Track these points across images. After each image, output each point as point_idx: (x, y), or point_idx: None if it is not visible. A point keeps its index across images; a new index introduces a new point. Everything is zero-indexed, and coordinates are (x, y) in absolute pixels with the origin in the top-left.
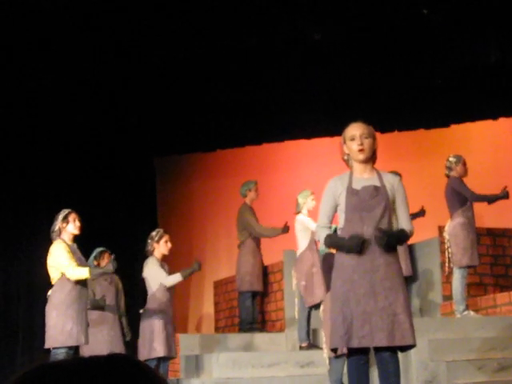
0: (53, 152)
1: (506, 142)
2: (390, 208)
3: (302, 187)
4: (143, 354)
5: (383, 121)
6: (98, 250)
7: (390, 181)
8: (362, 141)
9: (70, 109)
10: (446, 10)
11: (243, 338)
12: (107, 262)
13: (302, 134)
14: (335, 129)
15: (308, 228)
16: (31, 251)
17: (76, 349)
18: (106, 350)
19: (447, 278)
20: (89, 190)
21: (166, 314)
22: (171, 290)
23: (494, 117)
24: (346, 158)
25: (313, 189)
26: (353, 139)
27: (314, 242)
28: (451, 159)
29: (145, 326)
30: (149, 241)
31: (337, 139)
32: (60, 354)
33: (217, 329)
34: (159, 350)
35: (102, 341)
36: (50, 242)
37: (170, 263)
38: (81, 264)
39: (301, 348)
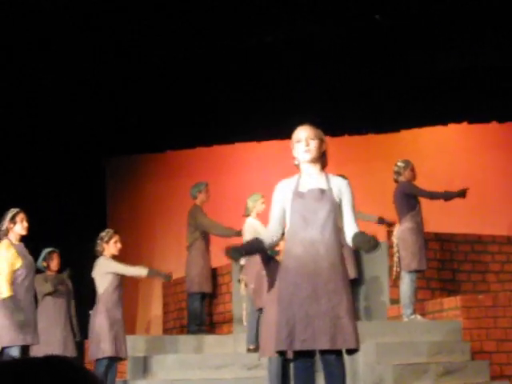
0: (1, 150)
1: (455, 147)
2: (335, 211)
3: (253, 190)
4: (92, 354)
5: (334, 125)
6: (47, 250)
7: (337, 184)
8: (308, 142)
9: (21, 106)
10: (400, 15)
11: (191, 340)
12: (56, 262)
13: (252, 137)
14: (285, 132)
15: (257, 231)
16: None
17: (26, 348)
18: (59, 350)
19: (394, 282)
20: (38, 189)
21: (114, 314)
22: (120, 290)
23: (444, 122)
24: (296, 162)
25: (263, 192)
26: (299, 141)
27: None
28: (399, 164)
29: (93, 325)
30: (98, 241)
31: (286, 142)
32: (13, 353)
33: (165, 330)
34: (106, 350)
35: (55, 341)
36: None
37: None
38: (27, 264)
39: (248, 350)
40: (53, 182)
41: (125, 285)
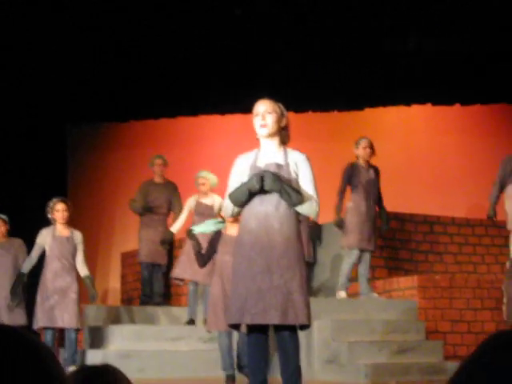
0: None
1: (418, 128)
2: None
3: (215, 162)
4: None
5: (297, 100)
6: None
7: (294, 158)
8: (265, 116)
9: None
10: None
11: (148, 311)
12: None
13: (215, 110)
14: (248, 106)
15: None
16: None
17: None
18: (7, 317)
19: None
20: None
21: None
22: (56, 261)
23: (408, 103)
24: (257, 137)
25: (224, 165)
26: (257, 115)
27: None
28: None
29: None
30: (48, 209)
31: (249, 116)
32: None
33: (122, 301)
34: (37, 319)
35: (3, 308)
36: None
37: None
38: None
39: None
40: (14, 149)
41: (85, 255)
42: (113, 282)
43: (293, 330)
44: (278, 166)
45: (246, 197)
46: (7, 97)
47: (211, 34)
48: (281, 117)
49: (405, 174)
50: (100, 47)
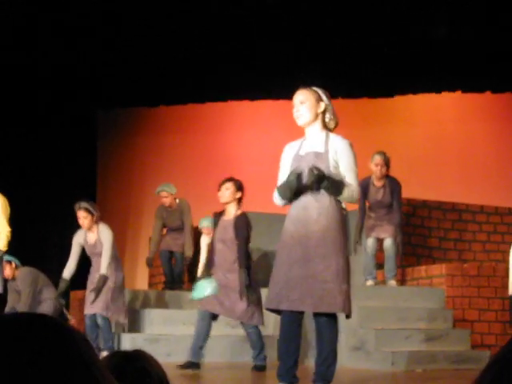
0: None
1: (447, 115)
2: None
3: (243, 148)
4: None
5: (328, 87)
6: None
7: (334, 145)
8: (298, 107)
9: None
10: None
11: (175, 296)
12: None
13: (245, 96)
14: (278, 92)
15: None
16: None
17: None
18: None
19: (380, 247)
20: (28, 141)
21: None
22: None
23: (438, 90)
24: None
25: (253, 151)
26: (294, 106)
27: None
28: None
29: None
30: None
31: (280, 102)
32: None
33: (150, 285)
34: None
35: None
36: None
37: (109, 218)
38: None
39: None
40: (46, 134)
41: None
42: (141, 266)
43: (330, 316)
44: (317, 154)
45: (289, 194)
46: (38, 83)
47: (242, 19)
48: (316, 103)
49: (434, 162)
50: (130, 33)
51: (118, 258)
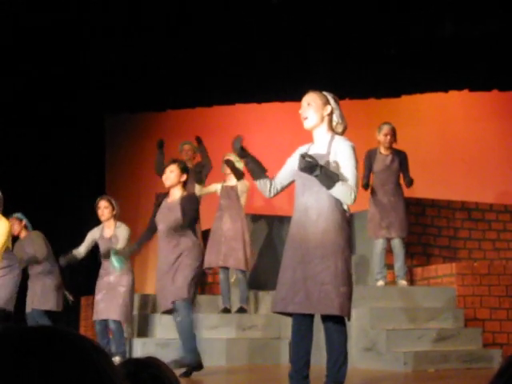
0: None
1: (454, 114)
2: None
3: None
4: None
5: (335, 88)
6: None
7: (335, 147)
8: (304, 110)
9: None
10: None
11: None
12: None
13: (252, 98)
14: (285, 94)
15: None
16: None
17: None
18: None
19: (389, 248)
20: (36, 145)
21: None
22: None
23: (445, 89)
24: None
25: (261, 154)
26: (301, 109)
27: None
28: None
29: None
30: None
31: (286, 104)
32: None
33: None
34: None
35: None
36: None
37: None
38: None
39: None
40: (55, 138)
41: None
42: (151, 271)
43: (338, 319)
44: (319, 156)
45: (250, 168)
46: (47, 87)
47: (247, 22)
48: (322, 105)
49: (442, 161)
50: (137, 37)
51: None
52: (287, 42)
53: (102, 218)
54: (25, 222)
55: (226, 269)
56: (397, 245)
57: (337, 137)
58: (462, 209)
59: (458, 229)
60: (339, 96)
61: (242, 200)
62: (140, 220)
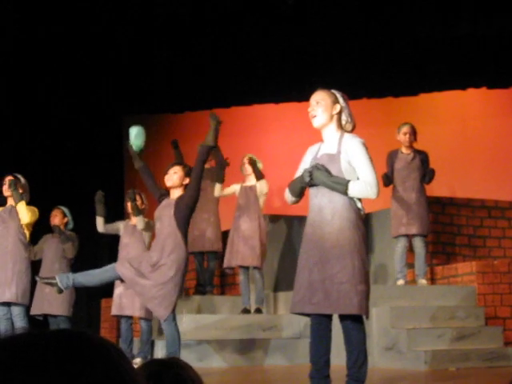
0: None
1: (473, 112)
2: (345, 175)
3: (270, 152)
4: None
5: (352, 87)
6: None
7: (346, 146)
8: (313, 107)
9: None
10: None
11: (206, 301)
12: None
13: (270, 99)
14: (303, 94)
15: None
16: None
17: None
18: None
19: (410, 247)
20: (55, 147)
21: None
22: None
23: (463, 87)
24: None
25: (279, 154)
26: (309, 106)
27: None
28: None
29: None
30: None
31: (304, 104)
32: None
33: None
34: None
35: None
36: None
37: None
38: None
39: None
40: (74, 141)
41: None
42: None
43: (356, 318)
44: (329, 156)
45: (298, 189)
46: (66, 91)
47: (264, 24)
48: (332, 104)
49: (461, 159)
50: (156, 40)
51: None
52: (304, 42)
53: (129, 210)
54: (68, 219)
55: (246, 269)
56: (418, 244)
57: (346, 135)
58: (482, 207)
59: (477, 227)
60: (357, 95)
61: (261, 200)
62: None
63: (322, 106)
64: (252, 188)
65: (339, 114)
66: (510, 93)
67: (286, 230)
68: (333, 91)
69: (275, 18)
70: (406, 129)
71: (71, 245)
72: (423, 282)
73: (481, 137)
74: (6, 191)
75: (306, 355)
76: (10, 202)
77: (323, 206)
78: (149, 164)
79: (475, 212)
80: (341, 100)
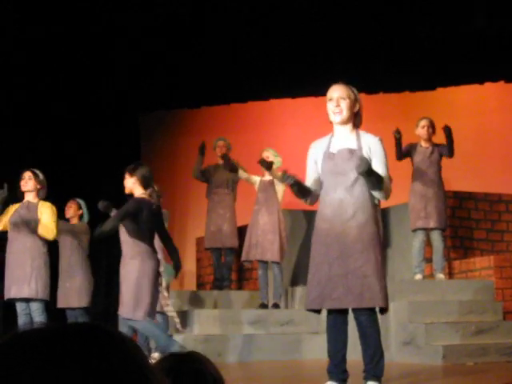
0: (36, 105)
1: (491, 106)
2: None
3: (285, 147)
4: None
5: (369, 82)
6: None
7: (367, 142)
8: (339, 102)
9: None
10: None
11: (224, 296)
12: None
13: (287, 94)
14: (320, 89)
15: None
16: None
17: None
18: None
19: (428, 241)
20: (72, 146)
21: None
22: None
23: (481, 81)
24: (331, 121)
25: (295, 149)
26: (331, 100)
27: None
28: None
29: None
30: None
31: (321, 99)
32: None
33: (199, 285)
34: None
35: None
36: None
37: None
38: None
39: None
40: (91, 137)
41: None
42: (189, 267)
43: (371, 313)
44: (351, 151)
45: (296, 192)
46: (82, 87)
47: (280, 18)
48: (354, 102)
49: (479, 153)
50: (171, 35)
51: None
52: (320, 37)
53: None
54: (82, 211)
55: (265, 263)
56: (436, 238)
57: (361, 132)
58: (500, 201)
59: (495, 221)
60: (373, 89)
61: (280, 194)
62: (175, 217)
63: (347, 104)
64: (271, 182)
65: (357, 112)
66: None
67: (306, 225)
68: (353, 88)
69: (292, 14)
70: (424, 122)
71: (84, 236)
72: (441, 276)
73: (498, 131)
74: (24, 186)
75: (323, 350)
76: (27, 197)
77: (344, 200)
78: (165, 159)
79: (493, 206)
80: (358, 98)
